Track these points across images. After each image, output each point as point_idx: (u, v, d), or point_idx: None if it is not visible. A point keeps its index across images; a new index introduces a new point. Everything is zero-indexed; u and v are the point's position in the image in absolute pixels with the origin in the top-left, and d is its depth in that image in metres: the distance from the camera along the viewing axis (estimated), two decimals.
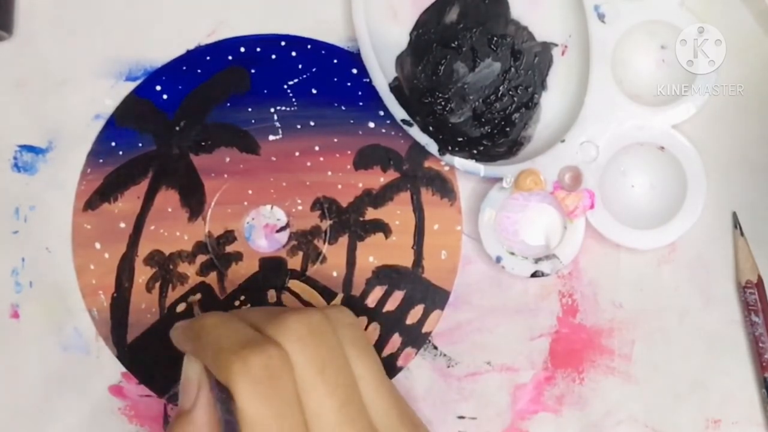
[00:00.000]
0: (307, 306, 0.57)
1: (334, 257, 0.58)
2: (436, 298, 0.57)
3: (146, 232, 0.58)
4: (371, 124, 0.58)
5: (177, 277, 0.58)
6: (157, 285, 0.58)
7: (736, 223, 0.57)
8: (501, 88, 0.57)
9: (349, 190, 0.58)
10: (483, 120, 0.57)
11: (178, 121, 0.58)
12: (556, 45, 0.57)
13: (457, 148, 0.56)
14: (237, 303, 0.58)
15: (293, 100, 0.58)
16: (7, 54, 0.59)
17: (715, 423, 0.56)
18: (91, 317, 0.58)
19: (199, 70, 0.58)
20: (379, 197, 0.58)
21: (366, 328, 0.57)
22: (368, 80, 0.57)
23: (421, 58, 0.57)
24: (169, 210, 0.58)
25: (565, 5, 0.56)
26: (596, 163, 0.55)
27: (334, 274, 0.58)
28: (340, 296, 0.57)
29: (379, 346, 0.57)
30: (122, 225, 0.58)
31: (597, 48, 0.55)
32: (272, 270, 0.58)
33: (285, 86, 0.58)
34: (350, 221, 0.58)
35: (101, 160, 0.58)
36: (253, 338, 0.43)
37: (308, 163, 0.58)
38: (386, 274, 0.57)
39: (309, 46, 0.58)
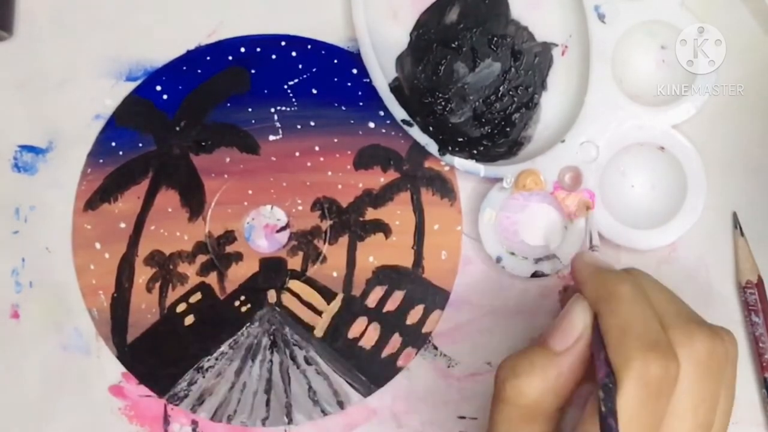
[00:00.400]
0: (308, 307, 0.57)
1: (334, 257, 0.58)
2: (436, 298, 0.57)
3: (146, 232, 0.58)
4: (371, 124, 0.58)
5: (177, 277, 0.58)
6: (157, 285, 0.58)
7: (736, 223, 0.57)
8: (501, 88, 0.57)
9: (349, 190, 0.58)
10: (483, 120, 0.57)
11: (178, 121, 0.58)
12: (556, 45, 0.57)
13: (457, 148, 0.56)
14: (237, 303, 0.57)
15: (293, 100, 0.58)
16: (7, 54, 0.59)
17: None
18: (91, 317, 0.58)
19: (199, 70, 0.58)
20: (379, 197, 0.58)
21: (366, 328, 0.57)
22: (368, 80, 0.57)
23: (421, 58, 0.57)
24: (169, 210, 0.58)
25: (565, 5, 0.56)
26: (596, 163, 0.55)
27: (334, 274, 0.58)
28: (340, 296, 0.57)
29: (380, 346, 0.57)
30: (122, 225, 0.58)
31: (597, 48, 0.55)
32: (272, 270, 0.58)
33: (285, 86, 0.58)
34: (350, 221, 0.58)
35: (101, 160, 0.58)
36: (661, 343, 0.41)
37: (308, 163, 0.58)
38: (386, 274, 0.57)
39: (309, 46, 0.58)
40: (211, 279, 0.58)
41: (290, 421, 0.57)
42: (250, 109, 0.58)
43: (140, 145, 0.58)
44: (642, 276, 0.46)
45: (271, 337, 0.57)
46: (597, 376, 0.41)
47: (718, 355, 0.43)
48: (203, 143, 0.58)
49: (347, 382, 0.57)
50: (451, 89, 0.57)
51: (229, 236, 0.58)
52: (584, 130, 0.55)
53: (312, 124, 0.58)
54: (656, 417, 0.41)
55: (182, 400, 0.58)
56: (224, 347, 0.58)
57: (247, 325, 0.58)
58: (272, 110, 0.58)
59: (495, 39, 0.57)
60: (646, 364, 0.40)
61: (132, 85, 0.59)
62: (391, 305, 0.57)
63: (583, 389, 0.44)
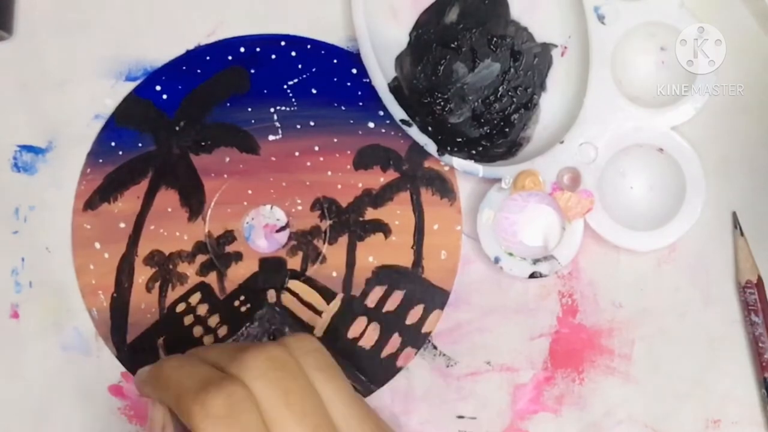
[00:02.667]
0: (308, 307, 0.57)
1: (333, 257, 0.58)
2: (435, 298, 0.57)
3: (146, 232, 0.58)
4: (371, 124, 0.58)
5: (177, 277, 0.58)
6: (157, 285, 0.58)
7: (736, 223, 0.57)
8: (500, 88, 0.57)
9: (348, 190, 0.58)
10: (482, 120, 0.57)
11: (178, 121, 0.58)
12: (556, 46, 0.57)
13: (456, 149, 0.56)
14: (237, 303, 0.58)
15: (293, 100, 0.58)
16: (7, 54, 0.59)
17: (715, 423, 0.56)
18: (91, 317, 0.58)
19: (199, 70, 0.59)
20: (378, 197, 0.58)
21: (366, 328, 0.57)
22: (368, 80, 0.57)
23: (421, 59, 0.57)
24: (169, 210, 0.58)
25: (565, 6, 0.56)
26: (595, 164, 0.55)
27: (334, 274, 0.58)
28: (340, 296, 0.57)
29: (379, 346, 0.57)
30: (122, 225, 0.58)
31: (597, 49, 0.55)
32: (272, 270, 0.58)
33: (285, 86, 0.58)
34: (350, 221, 0.58)
35: (101, 160, 0.58)
36: (212, 378, 0.42)
37: (308, 163, 0.58)
38: (386, 274, 0.57)
39: (309, 46, 0.58)
40: (211, 279, 0.58)
41: None
42: (249, 109, 0.58)
43: (140, 145, 0.58)
44: (197, 350, 0.47)
45: (271, 337, 0.57)
46: None
47: (274, 356, 0.44)
48: (203, 143, 0.58)
49: (340, 368, 0.57)
50: (451, 89, 0.57)
51: (228, 236, 0.58)
52: (583, 131, 0.55)
53: (312, 124, 0.58)
54: None
55: None
56: None
57: (247, 325, 0.58)
58: (272, 110, 0.58)
59: (494, 39, 0.57)
60: (204, 402, 0.41)
61: (132, 85, 0.59)
62: (390, 305, 0.57)
63: None
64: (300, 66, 0.58)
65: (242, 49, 0.58)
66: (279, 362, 0.44)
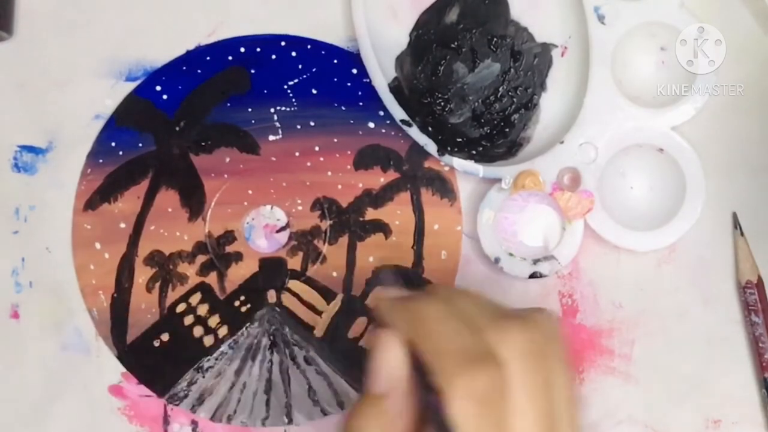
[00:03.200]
0: (308, 307, 0.57)
1: (334, 257, 0.58)
2: None
3: (146, 232, 0.58)
4: (371, 124, 0.58)
5: (177, 277, 0.58)
6: (157, 285, 0.58)
7: (736, 223, 0.57)
8: (500, 88, 0.57)
9: (349, 190, 0.58)
10: (482, 121, 0.57)
11: (178, 121, 0.58)
12: (556, 46, 0.57)
13: (456, 149, 0.56)
14: (237, 303, 0.58)
15: (293, 100, 0.58)
16: (7, 54, 0.59)
17: (715, 423, 0.56)
18: (91, 317, 0.58)
19: (199, 70, 0.59)
20: (379, 197, 0.58)
21: (366, 328, 0.57)
22: (368, 80, 0.57)
23: (421, 59, 0.57)
24: (169, 210, 0.58)
25: (565, 6, 0.56)
26: (595, 164, 0.55)
27: (334, 274, 0.58)
28: (340, 296, 0.57)
29: None
30: (122, 225, 0.58)
31: (597, 49, 0.55)
32: (272, 270, 0.58)
33: (285, 86, 0.58)
34: (350, 221, 0.58)
35: (101, 160, 0.58)
36: (479, 351, 0.41)
37: (308, 163, 0.58)
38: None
39: (309, 46, 0.58)
40: (211, 279, 0.58)
41: (290, 421, 0.57)
42: (250, 109, 0.58)
43: (140, 145, 0.58)
44: (442, 289, 0.45)
45: (271, 337, 0.57)
46: (424, 404, 0.41)
47: (536, 341, 0.42)
48: (203, 143, 0.58)
49: (347, 382, 0.57)
50: (451, 89, 0.57)
51: (228, 236, 0.58)
52: (583, 131, 0.55)
53: (312, 124, 0.58)
54: (496, 423, 0.40)
55: (182, 400, 0.58)
56: (224, 347, 0.58)
57: (247, 325, 0.58)
58: (272, 110, 0.58)
59: (495, 39, 0.57)
60: (471, 378, 0.40)
61: (132, 85, 0.59)
62: None
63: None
64: (300, 66, 0.58)
65: (242, 49, 0.59)
66: (536, 348, 0.42)
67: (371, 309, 0.46)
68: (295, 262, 0.58)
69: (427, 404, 0.41)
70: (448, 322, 0.42)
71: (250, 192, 0.58)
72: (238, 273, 0.58)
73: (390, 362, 0.43)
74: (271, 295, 0.58)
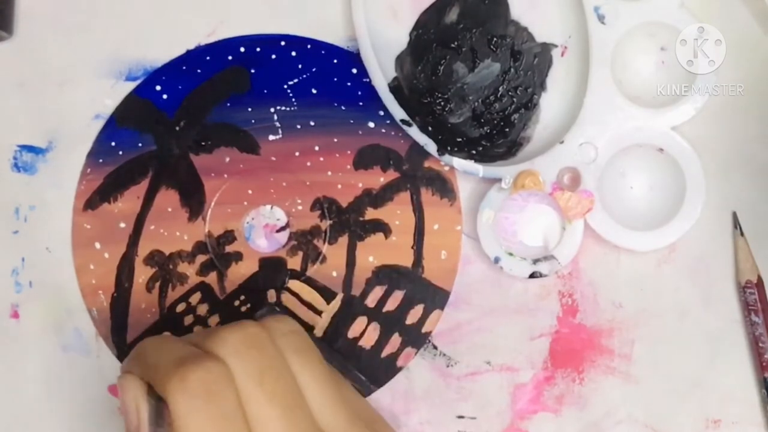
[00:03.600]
0: (308, 306, 0.57)
1: (334, 257, 0.58)
2: (436, 298, 0.57)
3: (146, 232, 0.58)
4: (371, 124, 0.58)
5: (177, 277, 0.58)
6: (157, 285, 0.58)
7: (736, 223, 0.57)
8: (500, 88, 0.57)
9: (349, 190, 0.58)
10: (482, 120, 0.57)
11: (178, 121, 0.58)
12: (556, 46, 0.57)
13: (456, 149, 0.56)
14: (237, 303, 0.58)
15: (293, 100, 0.58)
16: (7, 54, 0.59)
17: (715, 423, 0.56)
18: (91, 317, 0.58)
19: (199, 70, 0.59)
20: (379, 197, 0.58)
21: (366, 328, 0.57)
22: (368, 80, 0.57)
23: (421, 58, 0.57)
24: (169, 210, 0.58)
25: (565, 6, 0.56)
26: (595, 164, 0.55)
27: (334, 274, 0.58)
28: (340, 296, 0.57)
29: (379, 346, 0.57)
30: (122, 225, 0.58)
31: (597, 49, 0.55)
32: (272, 270, 0.58)
33: (285, 86, 0.58)
34: (350, 221, 0.58)
35: (101, 160, 0.58)
36: (192, 354, 0.43)
37: (308, 163, 0.58)
38: (386, 274, 0.57)
39: (309, 46, 0.58)
40: (211, 279, 0.58)
41: None
42: (249, 109, 0.58)
43: (140, 145, 0.58)
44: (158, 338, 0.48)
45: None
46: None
47: (250, 334, 0.44)
48: (203, 143, 0.58)
49: (318, 351, 0.57)
50: (451, 89, 0.57)
51: (228, 236, 0.58)
52: (583, 131, 0.55)
53: (312, 123, 0.58)
54: (227, 412, 0.42)
55: None
56: None
57: None
58: (272, 110, 0.58)
59: (495, 39, 0.57)
60: (183, 376, 0.41)
61: (132, 85, 0.59)
62: (390, 305, 0.57)
63: None
64: (300, 66, 0.58)
65: (242, 49, 0.59)
66: (255, 340, 0.44)
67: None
68: (295, 262, 0.58)
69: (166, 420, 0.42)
70: (162, 346, 0.44)
71: (250, 192, 0.58)
72: (238, 273, 0.58)
73: (131, 400, 0.44)
74: (271, 295, 0.58)
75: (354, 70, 0.58)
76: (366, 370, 0.57)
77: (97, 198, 0.58)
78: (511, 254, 0.56)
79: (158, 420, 0.43)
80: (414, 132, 0.56)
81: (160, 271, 0.58)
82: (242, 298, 0.58)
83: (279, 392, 0.43)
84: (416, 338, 0.57)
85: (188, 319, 0.58)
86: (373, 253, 0.58)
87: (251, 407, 0.42)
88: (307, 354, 0.46)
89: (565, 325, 0.57)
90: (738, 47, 0.56)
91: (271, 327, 0.46)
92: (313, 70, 0.58)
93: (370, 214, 0.58)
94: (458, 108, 0.57)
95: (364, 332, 0.57)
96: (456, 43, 0.57)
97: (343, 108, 0.58)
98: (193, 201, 0.58)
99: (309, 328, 0.57)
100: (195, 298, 0.58)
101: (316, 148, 0.58)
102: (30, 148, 0.59)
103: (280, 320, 0.47)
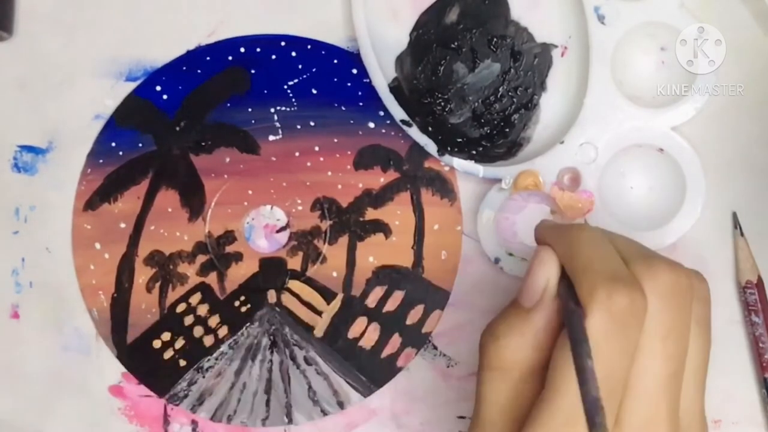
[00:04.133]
0: (308, 307, 0.57)
1: (334, 257, 0.58)
2: (436, 298, 0.57)
3: (146, 233, 0.58)
4: (371, 125, 0.58)
5: (177, 277, 0.58)
6: (157, 285, 0.58)
7: (736, 223, 0.57)
8: (500, 88, 0.57)
9: (349, 190, 0.58)
10: (482, 121, 0.57)
11: (178, 121, 0.58)
12: (556, 46, 0.57)
13: (456, 149, 0.56)
14: (237, 303, 0.58)
15: (293, 100, 0.58)
16: (7, 54, 0.59)
17: (715, 423, 0.56)
18: (91, 317, 0.58)
19: (199, 70, 0.59)
20: (379, 197, 0.58)
21: (366, 329, 0.57)
22: (368, 80, 0.57)
23: (421, 59, 0.57)
24: (169, 210, 0.58)
25: (565, 6, 0.56)
26: (595, 164, 0.55)
27: (334, 274, 0.58)
28: (340, 296, 0.57)
29: (380, 346, 0.57)
30: (122, 225, 0.58)
31: (597, 49, 0.55)
32: (272, 270, 0.58)
33: (285, 86, 0.58)
34: (350, 221, 0.58)
35: (101, 161, 0.58)
36: (625, 275, 0.41)
37: (308, 163, 0.58)
38: (386, 274, 0.57)
39: (309, 47, 0.58)
40: (211, 279, 0.58)
41: (290, 421, 0.57)
42: (249, 109, 0.58)
43: (140, 145, 0.58)
44: (600, 227, 0.47)
45: (271, 337, 0.58)
46: (567, 317, 0.41)
47: (682, 286, 0.43)
48: (203, 143, 0.58)
49: (347, 382, 0.57)
50: (451, 90, 0.57)
51: (229, 236, 0.58)
52: (583, 131, 0.55)
53: (312, 124, 0.58)
54: (626, 349, 0.41)
55: (182, 400, 0.58)
56: (224, 347, 0.58)
57: (247, 325, 0.58)
58: (272, 110, 0.58)
59: (495, 40, 0.57)
60: (611, 294, 0.40)
61: (132, 85, 0.59)
62: (390, 305, 0.57)
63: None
64: (300, 66, 0.58)
65: (242, 49, 0.59)
66: (681, 294, 0.43)
67: (535, 233, 0.48)
68: (295, 262, 0.58)
69: (569, 317, 0.41)
70: (599, 247, 0.43)
71: (250, 192, 0.58)
72: (238, 273, 0.58)
73: (543, 276, 0.43)
74: (271, 295, 0.58)
75: (354, 71, 0.58)
76: (366, 371, 0.57)
77: (97, 198, 0.58)
78: (511, 254, 0.56)
79: (569, 313, 0.42)
80: (414, 132, 0.56)
81: (160, 271, 0.58)
82: (242, 298, 0.58)
83: (674, 356, 0.42)
84: (416, 338, 0.57)
85: (188, 320, 0.58)
86: (373, 254, 0.58)
87: (644, 355, 0.41)
88: (706, 329, 0.45)
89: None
90: (738, 47, 0.56)
91: (695, 286, 0.44)
92: (313, 70, 0.58)
93: (370, 214, 0.58)
94: (458, 108, 0.57)
95: (364, 332, 0.57)
96: (456, 43, 0.57)
97: (343, 108, 0.58)
98: (194, 201, 0.58)
99: (309, 328, 0.57)
100: (195, 298, 0.58)
101: (316, 148, 0.58)
102: (30, 148, 0.59)
103: (703, 281, 0.46)
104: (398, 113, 0.56)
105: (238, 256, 0.58)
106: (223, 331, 0.58)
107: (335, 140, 0.58)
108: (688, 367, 0.44)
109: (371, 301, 0.57)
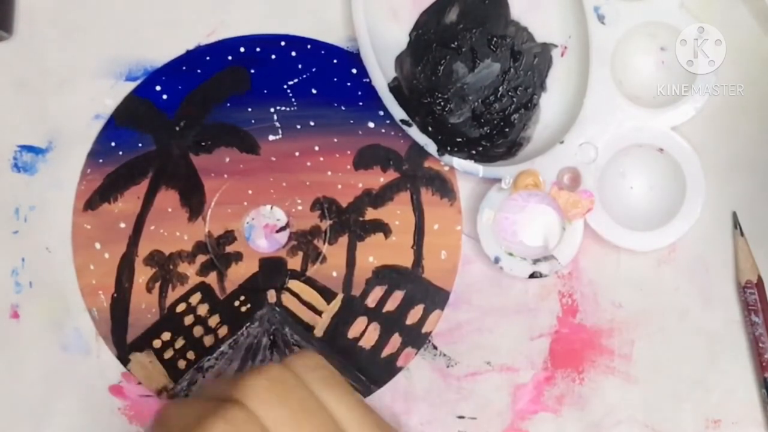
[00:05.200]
0: (308, 307, 0.57)
1: (334, 257, 0.58)
2: (436, 298, 0.57)
3: (146, 232, 0.58)
4: (371, 124, 0.58)
5: (177, 277, 0.58)
6: (157, 285, 0.58)
7: (736, 223, 0.57)
8: (500, 88, 0.57)
9: (349, 190, 0.58)
10: (482, 120, 0.57)
11: (178, 121, 0.58)
12: (556, 46, 0.57)
13: (456, 149, 0.56)
14: (237, 303, 0.58)
15: (293, 100, 0.58)
16: (7, 54, 0.59)
17: (715, 423, 0.56)
18: (91, 317, 0.58)
19: (199, 70, 0.59)
20: (378, 197, 0.58)
21: (366, 328, 0.57)
22: (368, 80, 0.57)
23: (421, 59, 0.57)
24: (169, 210, 0.58)
25: (565, 6, 0.56)
26: (595, 164, 0.55)
27: (334, 274, 0.58)
28: (340, 296, 0.57)
29: (379, 346, 0.57)
30: (122, 225, 0.58)
31: (597, 49, 0.55)
32: (272, 270, 0.58)
33: (285, 86, 0.58)
34: (350, 221, 0.58)
35: (101, 160, 0.58)
36: (213, 408, 0.42)
37: (308, 163, 0.58)
38: (386, 274, 0.57)
39: (309, 46, 0.58)
40: (211, 279, 0.58)
41: None
42: (249, 109, 0.58)
43: (140, 145, 0.58)
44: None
45: (271, 337, 0.58)
46: None
47: (278, 377, 0.43)
48: (203, 143, 0.58)
49: (347, 381, 0.57)
50: (451, 89, 0.57)
51: (228, 236, 0.58)
52: (583, 131, 0.55)
53: (312, 124, 0.58)
54: None
55: None
56: (224, 347, 0.58)
57: (247, 325, 0.58)
58: (272, 110, 0.58)
59: (494, 39, 0.57)
60: (207, 430, 0.41)
61: (132, 85, 0.59)
62: (390, 305, 0.57)
63: None
64: (300, 66, 0.58)
65: (242, 49, 0.59)
66: (280, 382, 0.43)
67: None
68: (295, 262, 0.58)
69: None
70: (183, 406, 0.44)
71: (250, 192, 0.58)
72: (238, 273, 0.58)
73: None
74: (271, 295, 0.58)
75: (354, 70, 0.58)
76: (366, 371, 0.57)
77: (97, 198, 0.58)
78: (511, 254, 0.56)
79: None
80: (414, 132, 0.56)
81: (160, 271, 0.58)
82: (242, 298, 0.58)
83: (318, 428, 0.42)
84: (416, 338, 0.57)
85: (188, 319, 0.58)
86: (373, 253, 0.58)
87: None
88: (339, 387, 0.45)
89: (565, 325, 0.57)
90: (738, 47, 0.56)
91: (293, 364, 0.45)
92: (313, 70, 0.58)
93: (370, 214, 0.58)
94: (458, 108, 0.57)
95: (364, 332, 0.57)
96: (456, 43, 0.57)
97: (343, 108, 0.58)
98: (193, 201, 0.58)
99: (309, 328, 0.57)
100: (195, 298, 0.58)
101: (316, 148, 0.58)
102: (30, 148, 0.59)
103: (303, 356, 0.46)
104: (398, 113, 0.56)
105: (238, 256, 0.58)
106: (223, 331, 0.58)
107: (335, 140, 0.58)
108: (351, 423, 0.44)
109: (371, 301, 0.57)
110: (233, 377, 0.44)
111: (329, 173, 0.58)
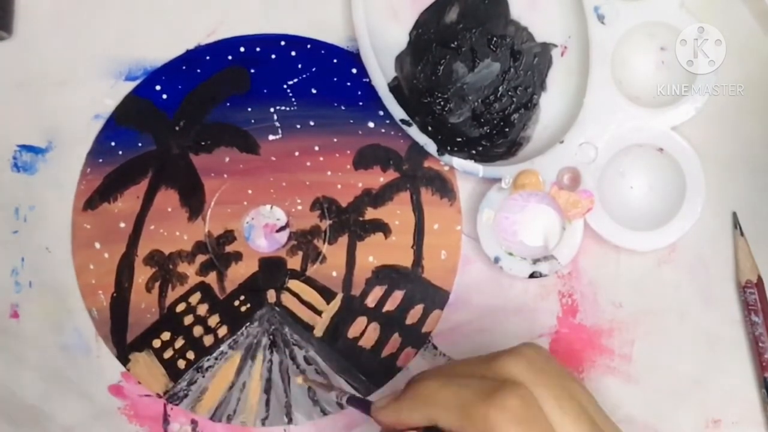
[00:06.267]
0: (308, 306, 0.57)
1: (333, 257, 0.58)
2: (436, 298, 0.57)
3: (146, 232, 0.58)
4: (371, 124, 0.58)
5: (177, 276, 0.58)
6: (157, 285, 0.58)
7: (736, 223, 0.57)
8: (500, 88, 0.57)
9: (348, 190, 0.58)
10: (482, 120, 0.57)
11: (178, 121, 0.58)
12: (556, 46, 0.57)
13: (455, 148, 0.56)
14: (237, 303, 0.58)
15: (293, 100, 0.58)
16: (7, 54, 0.59)
17: (715, 423, 0.56)
18: (91, 317, 0.58)
19: (199, 70, 0.59)
20: (378, 197, 0.58)
21: (366, 328, 0.57)
22: (368, 80, 0.57)
23: (421, 58, 0.57)
24: (169, 210, 0.58)
25: (565, 6, 0.56)
26: (595, 164, 0.55)
27: (334, 274, 0.58)
28: (340, 296, 0.57)
29: (379, 346, 0.57)
30: (122, 225, 0.58)
31: (596, 49, 0.55)
32: (272, 270, 0.58)
33: (285, 86, 0.58)
34: (350, 221, 0.58)
35: (101, 160, 0.58)
36: (493, 384, 0.42)
37: (308, 163, 0.58)
38: (386, 274, 0.57)
39: (309, 46, 0.58)
40: (211, 279, 0.58)
41: (290, 421, 0.57)
42: (249, 109, 0.58)
43: (140, 144, 0.58)
44: (425, 372, 0.46)
45: (271, 337, 0.58)
46: None
47: (535, 359, 0.43)
48: (203, 143, 0.58)
49: (347, 381, 0.57)
50: (450, 89, 0.57)
51: (228, 236, 0.58)
52: (583, 131, 0.55)
53: (311, 123, 0.58)
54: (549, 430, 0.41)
55: (182, 400, 0.58)
56: (224, 347, 0.58)
57: (247, 325, 0.58)
58: (272, 110, 0.58)
59: (494, 39, 0.57)
60: (503, 405, 0.40)
61: (131, 85, 0.59)
62: (390, 305, 0.57)
63: None
64: (300, 66, 0.58)
65: (242, 49, 0.59)
66: (540, 365, 0.43)
67: (379, 423, 0.46)
68: (294, 262, 0.58)
69: None
70: (450, 384, 0.43)
71: (249, 192, 0.58)
72: (238, 273, 0.58)
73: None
74: (271, 295, 0.58)
75: (354, 70, 0.58)
76: (366, 370, 0.57)
77: (96, 198, 0.58)
78: (511, 254, 0.56)
79: None
80: (414, 132, 0.56)
81: (160, 271, 0.58)
82: (242, 298, 0.58)
83: (577, 408, 0.42)
84: (416, 338, 0.57)
85: (188, 319, 0.58)
86: (373, 253, 0.58)
87: (560, 427, 0.41)
88: (575, 380, 0.45)
89: (565, 325, 0.57)
90: (738, 47, 0.56)
91: (534, 350, 0.44)
92: (313, 70, 0.58)
93: (370, 214, 0.58)
94: (458, 108, 0.57)
95: (364, 332, 0.57)
96: (456, 43, 0.57)
97: (343, 108, 0.58)
98: (193, 201, 0.58)
99: (309, 328, 0.57)
100: (195, 298, 0.58)
101: (316, 148, 0.58)
102: (30, 148, 0.59)
103: (535, 346, 0.45)
104: (398, 113, 0.56)
105: (237, 256, 0.58)
106: (222, 331, 0.58)
107: (335, 140, 0.58)
108: (593, 414, 0.44)
109: (371, 301, 0.57)
110: (485, 359, 0.43)
111: (329, 173, 0.58)
